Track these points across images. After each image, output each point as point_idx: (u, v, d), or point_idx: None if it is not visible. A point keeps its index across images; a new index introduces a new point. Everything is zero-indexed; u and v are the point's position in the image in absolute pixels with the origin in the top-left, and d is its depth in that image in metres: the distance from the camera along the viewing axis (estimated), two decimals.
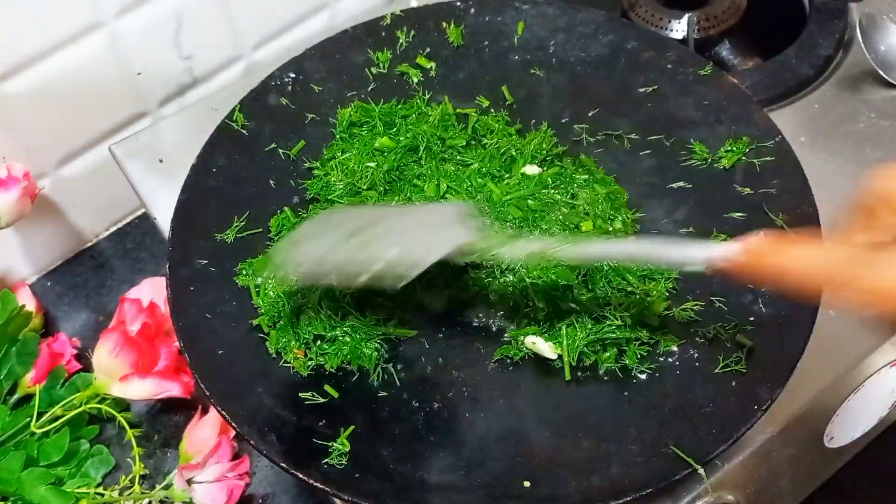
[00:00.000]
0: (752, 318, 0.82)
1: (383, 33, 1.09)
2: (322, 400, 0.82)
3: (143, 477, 1.02)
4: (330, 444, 0.77)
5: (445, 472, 0.76)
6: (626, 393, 0.82)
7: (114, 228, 1.27)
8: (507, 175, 0.97)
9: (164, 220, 1.06)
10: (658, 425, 0.78)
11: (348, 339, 0.86)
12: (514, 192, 0.94)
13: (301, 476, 0.74)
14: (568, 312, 0.86)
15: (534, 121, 1.04)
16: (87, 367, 1.09)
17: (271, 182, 0.99)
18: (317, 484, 0.74)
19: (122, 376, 1.00)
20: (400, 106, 1.04)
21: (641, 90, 1.01)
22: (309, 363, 0.86)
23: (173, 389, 1.01)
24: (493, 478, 0.76)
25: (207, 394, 0.79)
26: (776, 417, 0.86)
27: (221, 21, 1.17)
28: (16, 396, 1.05)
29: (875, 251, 0.56)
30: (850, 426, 0.96)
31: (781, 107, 1.13)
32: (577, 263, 0.84)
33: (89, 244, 1.26)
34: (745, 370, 0.79)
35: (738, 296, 0.84)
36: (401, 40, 1.08)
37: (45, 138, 1.10)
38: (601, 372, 0.84)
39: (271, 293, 0.89)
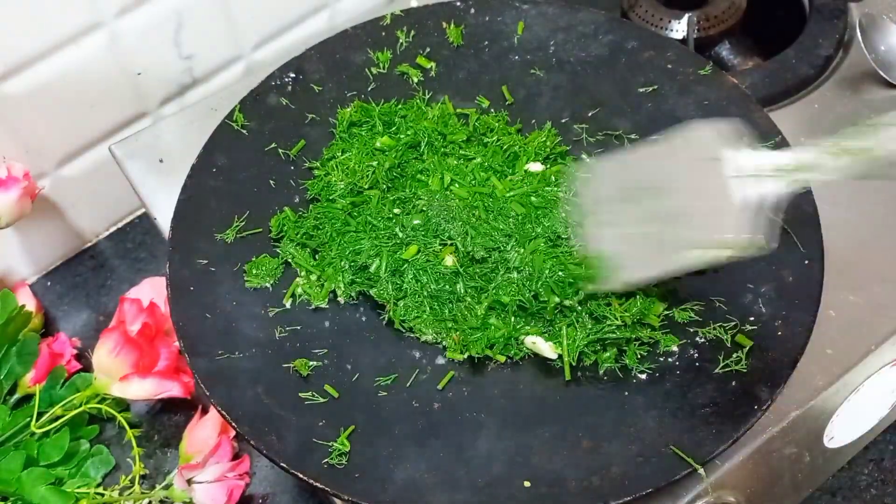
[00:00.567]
0: (752, 318, 0.82)
1: (383, 33, 1.09)
2: (322, 400, 0.82)
3: (143, 477, 1.03)
4: (330, 443, 0.77)
5: (445, 471, 0.76)
6: (626, 393, 0.81)
7: (114, 228, 1.28)
8: (509, 171, 0.97)
9: (164, 220, 1.06)
10: (658, 425, 0.78)
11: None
12: (518, 188, 0.94)
13: (301, 476, 0.74)
14: (570, 309, 0.85)
15: (534, 121, 1.04)
16: (87, 367, 1.09)
17: (271, 182, 0.99)
18: (316, 484, 0.74)
19: (122, 376, 1.00)
20: (400, 106, 1.04)
21: (641, 90, 1.02)
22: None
23: (173, 389, 1.01)
24: (494, 478, 0.76)
25: (207, 394, 0.79)
26: (776, 417, 0.86)
27: (221, 21, 1.17)
28: (16, 396, 1.06)
29: None
30: (850, 426, 0.96)
31: (781, 107, 1.13)
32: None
33: (89, 244, 1.26)
34: (745, 370, 0.79)
35: (738, 296, 0.84)
36: (401, 40, 1.08)
37: (45, 138, 1.11)
38: (601, 372, 0.84)
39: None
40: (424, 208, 0.93)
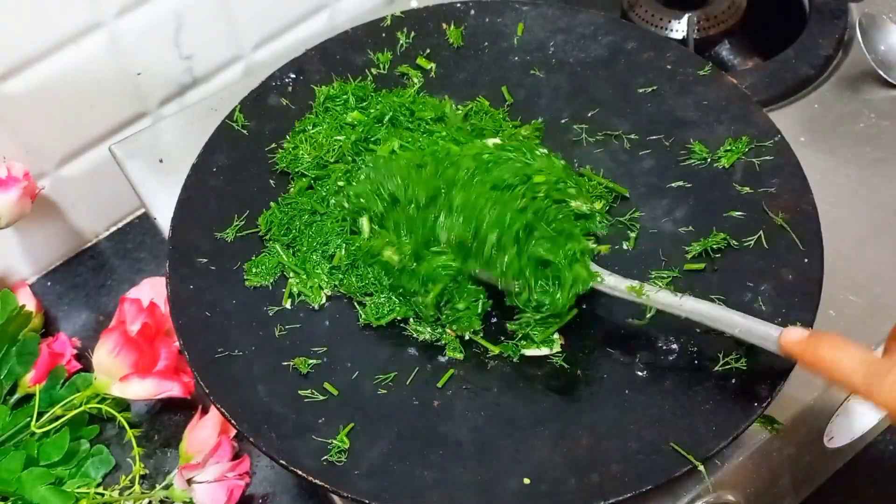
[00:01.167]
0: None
1: (383, 34, 1.09)
2: (322, 398, 0.82)
3: (143, 477, 1.03)
4: (329, 441, 0.77)
5: (445, 469, 0.76)
6: (625, 391, 0.81)
7: (114, 228, 1.28)
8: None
9: (164, 219, 1.06)
10: (658, 423, 0.77)
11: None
12: (471, 150, 0.94)
13: (300, 473, 0.74)
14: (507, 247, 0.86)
15: (533, 121, 1.04)
16: (87, 367, 1.09)
17: (271, 182, 0.99)
18: (316, 481, 0.74)
19: (122, 376, 1.00)
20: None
21: (641, 90, 1.02)
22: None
23: (173, 389, 1.01)
24: (493, 475, 0.76)
25: (207, 392, 0.79)
26: (776, 417, 0.86)
27: (221, 21, 1.17)
28: (16, 396, 1.06)
29: None
30: (850, 426, 0.96)
31: (781, 107, 1.13)
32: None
33: (89, 244, 1.26)
34: (744, 368, 0.79)
35: (738, 295, 0.84)
36: (401, 41, 1.09)
37: (45, 138, 1.11)
38: (601, 370, 0.84)
39: None
40: (368, 173, 0.93)
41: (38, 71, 1.04)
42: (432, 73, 1.08)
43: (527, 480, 0.75)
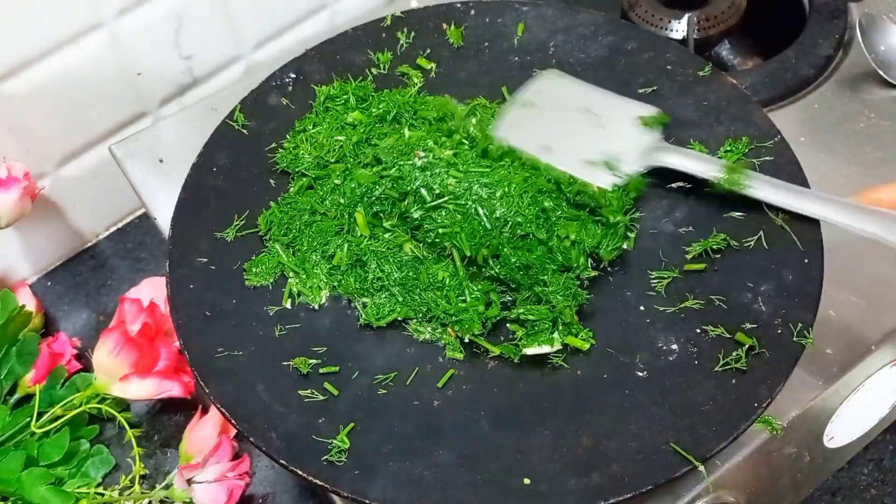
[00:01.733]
0: (752, 317, 0.82)
1: (384, 34, 1.09)
2: (322, 398, 0.82)
3: (143, 477, 1.03)
4: (329, 441, 0.77)
5: (445, 468, 0.76)
6: (625, 391, 0.81)
7: (114, 228, 1.28)
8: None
9: (164, 219, 1.06)
10: (658, 423, 0.77)
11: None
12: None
13: (300, 473, 0.74)
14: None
15: None
16: (87, 367, 1.10)
17: (271, 182, 0.99)
18: (316, 481, 0.74)
19: (122, 376, 1.00)
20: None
21: (641, 90, 1.02)
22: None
23: (173, 389, 1.01)
24: (493, 475, 0.76)
25: (207, 392, 0.79)
26: (776, 417, 0.86)
27: (221, 21, 1.17)
28: (16, 396, 1.06)
29: None
30: (850, 426, 0.96)
31: (781, 107, 1.13)
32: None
33: (89, 244, 1.26)
34: (744, 368, 0.79)
35: (739, 295, 0.84)
36: (401, 41, 1.08)
37: (45, 138, 1.11)
38: (601, 370, 0.84)
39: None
40: (380, 158, 0.95)
41: (38, 71, 1.04)
42: (432, 74, 1.08)
43: (527, 480, 0.75)
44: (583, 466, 0.75)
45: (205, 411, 1.03)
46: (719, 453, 0.75)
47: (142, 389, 1.00)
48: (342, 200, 0.93)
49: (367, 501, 0.73)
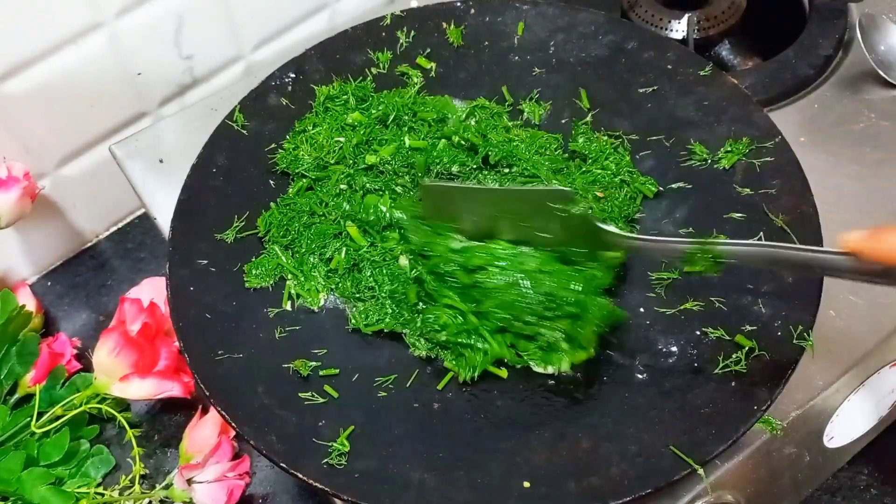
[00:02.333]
0: (752, 318, 0.82)
1: (383, 34, 1.09)
2: (322, 400, 0.82)
3: (143, 477, 1.02)
4: (330, 444, 0.77)
5: (445, 471, 0.76)
6: (625, 394, 0.81)
7: (114, 228, 1.28)
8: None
9: (164, 220, 1.06)
10: (658, 426, 0.77)
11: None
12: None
13: (300, 476, 0.74)
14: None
15: (533, 121, 1.04)
16: (87, 367, 1.09)
17: (271, 182, 0.99)
18: (316, 484, 0.74)
19: (122, 376, 1.00)
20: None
21: (641, 90, 1.02)
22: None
23: (173, 389, 1.01)
24: (493, 478, 0.76)
25: (207, 394, 0.79)
26: (776, 417, 0.86)
27: (221, 21, 1.17)
28: (16, 396, 1.06)
29: None
30: (850, 426, 0.96)
31: (781, 107, 1.13)
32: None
33: (89, 244, 1.26)
34: (744, 370, 0.79)
35: (738, 296, 0.84)
36: (401, 41, 1.08)
37: (45, 138, 1.11)
38: (600, 373, 0.84)
39: None
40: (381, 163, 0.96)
41: (38, 71, 1.04)
42: (432, 73, 1.08)
43: (527, 483, 0.75)
44: (582, 469, 0.76)
45: (205, 411, 1.03)
46: (719, 455, 0.75)
47: (142, 389, 1.00)
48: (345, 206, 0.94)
49: None
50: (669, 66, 1.02)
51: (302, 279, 0.91)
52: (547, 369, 0.84)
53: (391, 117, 1.00)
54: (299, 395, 0.82)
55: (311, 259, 0.92)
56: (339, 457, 0.77)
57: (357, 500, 0.73)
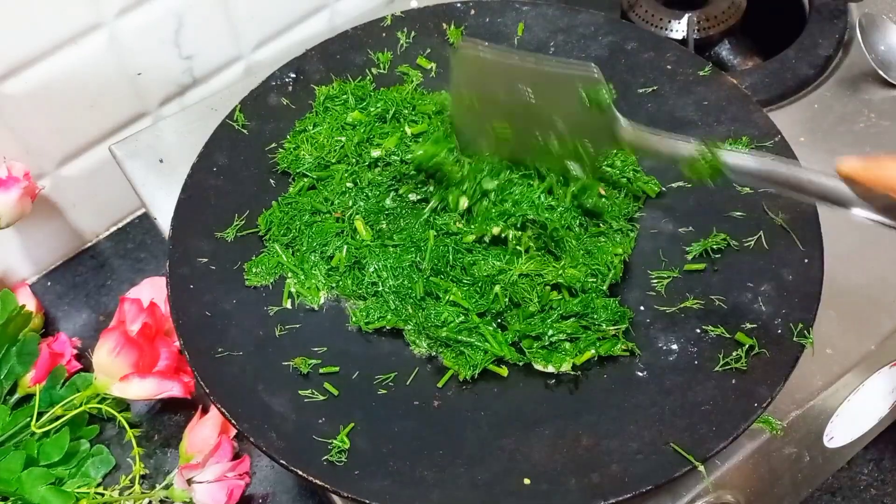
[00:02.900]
0: (752, 316, 0.82)
1: (384, 34, 1.09)
2: (322, 398, 0.82)
3: (143, 477, 1.02)
4: (330, 441, 0.77)
5: (445, 469, 0.76)
6: (626, 391, 0.81)
7: (114, 228, 1.28)
8: None
9: (164, 219, 1.06)
10: (658, 423, 0.77)
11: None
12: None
13: (300, 473, 0.74)
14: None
15: None
16: (87, 367, 1.09)
17: (271, 182, 0.99)
18: (316, 481, 0.74)
19: (122, 376, 1.00)
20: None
21: (641, 90, 1.02)
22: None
23: (173, 389, 1.01)
24: (493, 475, 0.76)
25: (207, 391, 0.79)
26: (776, 417, 0.86)
27: (221, 21, 1.17)
28: (16, 396, 1.05)
29: None
30: (850, 426, 0.96)
31: (781, 107, 1.13)
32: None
33: (89, 244, 1.26)
34: (744, 369, 0.79)
35: (739, 295, 0.84)
36: (401, 41, 1.09)
37: (45, 138, 1.11)
38: (601, 370, 0.84)
39: None
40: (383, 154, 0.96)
41: (38, 71, 1.04)
42: (432, 73, 1.08)
43: (527, 480, 0.75)
44: (583, 466, 0.75)
45: (205, 411, 1.03)
46: (719, 453, 0.75)
47: (142, 389, 1.00)
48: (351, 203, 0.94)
49: (368, 502, 0.73)
50: (669, 67, 1.02)
51: (302, 277, 0.91)
52: (548, 368, 0.84)
53: (391, 112, 1.00)
54: (299, 392, 0.82)
55: (312, 257, 0.92)
56: (339, 454, 0.77)
57: (357, 497, 0.73)
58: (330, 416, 0.80)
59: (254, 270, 0.91)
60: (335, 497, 0.83)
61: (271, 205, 0.96)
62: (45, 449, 1.00)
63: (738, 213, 0.90)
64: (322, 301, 0.90)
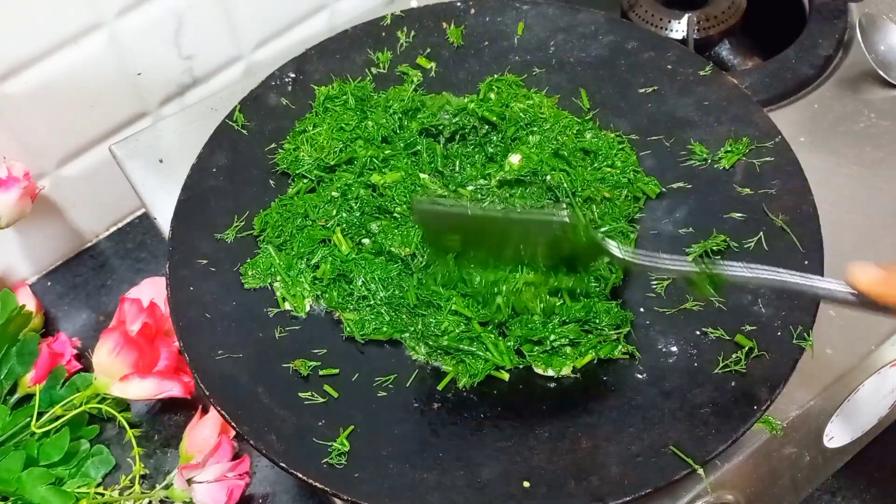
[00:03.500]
0: (751, 318, 0.82)
1: (383, 34, 1.09)
2: (322, 400, 0.82)
3: (143, 477, 1.02)
4: (329, 443, 0.77)
5: (445, 471, 0.76)
6: (625, 393, 0.81)
7: (114, 228, 1.28)
8: None
9: (164, 219, 1.06)
10: (657, 425, 0.77)
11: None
12: None
13: (300, 476, 0.74)
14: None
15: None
16: (87, 367, 1.09)
17: (271, 182, 0.99)
18: (316, 484, 0.74)
19: (122, 376, 1.00)
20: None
21: (641, 90, 1.02)
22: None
23: (173, 389, 1.01)
24: (493, 477, 0.76)
25: (207, 393, 0.79)
26: (776, 417, 0.86)
27: (221, 21, 1.17)
28: (16, 396, 1.06)
29: None
30: (850, 426, 0.96)
31: (781, 107, 1.13)
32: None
33: (89, 244, 1.26)
34: (744, 370, 0.79)
35: (738, 296, 0.84)
36: (401, 41, 1.08)
37: (45, 138, 1.11)
38: (601, 373, 0.84)
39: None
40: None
41: (38, 71, 1.04)
42: (432, 73, 1.08)
43: (526, 483, 0.75)
44: (582, 469, 0.75)
45: (205, 411, 1.03)
46: (719, 455, 0.75)
47: (142, 389, 1.00)
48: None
49: None
50: (669, 67, 1.02)
51: (289, 283, 0.91)
52: (548, 371, 0.84)
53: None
54: (299, 394, 0.82)
55: (299, 264, 0.92)
56: (338, 456, 0.77)
57: (357, 499, 0.73)
58: (330, 418, 0.80)
59: (250, 273, 0.91)
60: (335, 500, 0.83)
61: (271, 206, 0.96)
62: (45, 449, 1.00)
63: (738, 215, 0.90)
64: (307, 309, 0.90)
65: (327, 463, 0.76)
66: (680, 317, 0.85)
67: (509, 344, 0.85)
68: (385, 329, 0.87)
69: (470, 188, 0.95)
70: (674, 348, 0.83)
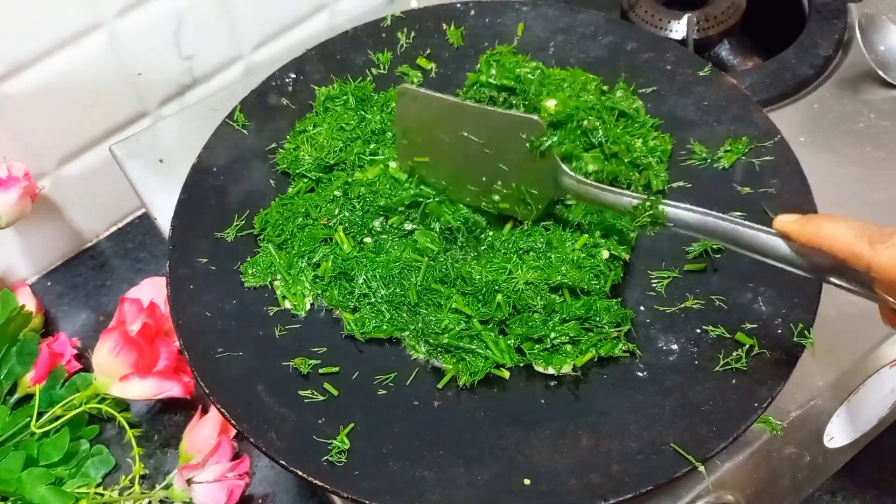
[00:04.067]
0: (752, 317, 0.82)
1: (384, 34, 1.09)
2: (322, 398, 0.82)
3: (143, 477, 1.02)
4: (330, 441, 0.77)
5: (445, 469, 0.76)
6: (626, 391, 0.81)
7: (114, 228, 1.28)
8: None
9: (164, 219, 1.06)
10: (658, 423, 0.77)
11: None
12: None
13: (300, 473, 0.74)
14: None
15: None
16: (87, 367, 1.10)
17: (271, 182, 0.99)
18: (316, 481, 0.74)
19: (122, 376, 1.00)
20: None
21: (641, 90, 1.02)
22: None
23: (173, 389, 1.01)
24: (493, 475, 0.76)
25: (207, 392, 0.79)
26: (776, 417, 0.86)
27: (221, 21, 1.17)
28: (16, 396, 1.06)
29: None
30: (850, 426, 0.96)
31: (781, 107, 1.13)
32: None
33: (89, 244, 1.26)
34: (745, 369, 0.79)
35: (738, 295, 0.84)
36: (401, 41, 1.09)
37: (45, 138, 1.11)
38: (601, 370, 0.84)
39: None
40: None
41: (38, 71, 1.04)
42: (432, 74, 1.08)
43: (527, 481, 0.75)
44: (583, 467, 0.75)
45: (205, 411, 1.03)
46: (719, 453, 0.75)
47: (142, 389, 1.00)
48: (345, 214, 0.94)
49: (368, 502, 0.73)
50: (669, 67, 1.02)
51: (289, 281, 0.91)
52: (548, 369, 0.84)
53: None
54: (299, 392, 0.82)
55: (300, 262, 0.92)
56: (339, 454, 0.76)
57: (357, 497, 0.73)
58: (330, 416, 0.80)
59: (250, 271, 0.91)
60: (335, 497, 0.83)
61: (271, 205, 0.96)
62: (44, 449, 1.00)
63: (738, 213, 0.89)
64: (308, 307, 0.90)
65: (327, 461, 0.76)
66: (680, 315, 0.85)
67: (510, 342, 0.85)
68: (385, 327, 0.87)
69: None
70: (674, 346, 0.83)
